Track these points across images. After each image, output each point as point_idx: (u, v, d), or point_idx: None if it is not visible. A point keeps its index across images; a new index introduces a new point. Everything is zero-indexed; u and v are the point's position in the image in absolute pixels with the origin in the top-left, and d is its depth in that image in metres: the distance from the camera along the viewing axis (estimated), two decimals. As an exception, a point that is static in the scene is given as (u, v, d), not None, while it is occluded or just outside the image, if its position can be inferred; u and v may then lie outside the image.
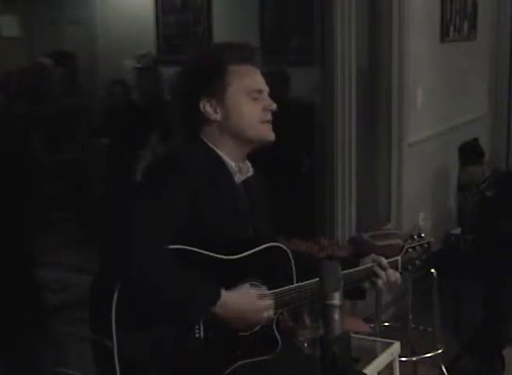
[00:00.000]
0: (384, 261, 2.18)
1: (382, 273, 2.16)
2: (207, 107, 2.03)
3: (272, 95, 2.13)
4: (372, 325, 3.46)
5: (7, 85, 5.67)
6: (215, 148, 2.05)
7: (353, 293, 2.19)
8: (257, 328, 1.99)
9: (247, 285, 1.96)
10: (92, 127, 5.90)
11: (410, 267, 2.28)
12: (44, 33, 6.95)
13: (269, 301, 1.97)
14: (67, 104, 5.82)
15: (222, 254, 1.93)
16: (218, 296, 1.86)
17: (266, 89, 2.10)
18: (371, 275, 2.17)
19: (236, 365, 1.96)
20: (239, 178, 2.08)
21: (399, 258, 2.24)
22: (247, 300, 1.93)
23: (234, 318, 1.90)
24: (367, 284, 2.19)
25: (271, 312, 1.97)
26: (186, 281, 1.84)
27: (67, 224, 5.65)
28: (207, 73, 2.03)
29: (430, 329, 3.70)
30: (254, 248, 1.99)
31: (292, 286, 2.03)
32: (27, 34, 6.95)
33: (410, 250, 2.28)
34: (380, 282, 2.17)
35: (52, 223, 5.49)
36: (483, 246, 3.93)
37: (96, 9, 7.01)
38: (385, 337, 2.99)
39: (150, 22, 6.70)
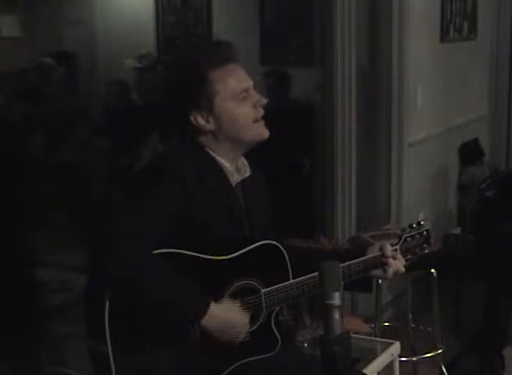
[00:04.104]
0: (388, 250, 2.14)
1: (390, 261, 2.13)
2: (198, 120, 2.00)
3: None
4: (372, 325, 3.45)
5: (7, 85, 5.68)
6: (210, 151, 2.03)
7: (360, 285, 2.17)
8: (255, 327, 1.99)
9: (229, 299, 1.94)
10: (92, 127, 5.91)
11: (410, 256, 2.23)
12: (44, 33, 6.95)
13: (247, 315, 1.95)
14: (67, 104, 5.83)
15: (215, 255, 1.93)
16: (207, 308, 1.85)
17: (251, 84, 2.05)
18: (377, 264, 2.14)
19: (236, 364, 1.96)
20: (237, 179, 2.07)
21: (397, 247, 2.20)
22: (232, 312, 1.92)
23: (220, 331, 1.88)
24: (380, 272, 2.15)
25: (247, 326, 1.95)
26: (173, 291, 1.83)
27: (67, 224, 5.65)
28: (191, 88, 1.99)
29: (430, 329, 3.70)
30: (246, 247, 1.98)
31: (286, 283, 2.02)
32: (27, 34, 6.96)
33: (408, 239, 2.23)
34: (390, 271, 2.13)
35: (52, 223, 5.49)
36: (483, 246, 3.93)
37: (96, 9, 7.01)
38: (385, 337, 2.99)
39: (150, 22, 6.70)
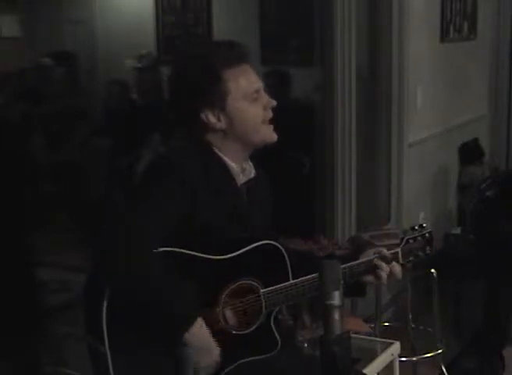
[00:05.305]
0: (386, 252, 2.15)
1: (383, 265, 2.12)
2: (209, 117, 2.00)
3: (272, 95, 2.12)
4: (372, 325, 3.45)
5: (7, 85, 5.68)
6: (217, 151, 2.04)
7: (353, 289, 2.17)
8: (255, 327, 1.99)
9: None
10: (92, 127, 5.90)
11: (412, 258, 2.23)
12: (44, 33, 6.95)
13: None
14: (67, 104, 5.82)
15: (216, 254, 1.93)
16: (192, 322, 1.84)
17: (262, 86, 2.07)
18: (372, 268, 2.13)
19: (236, 364, 1.96)
20: (241, 179, 2.08)
21: (399, 249, 2.20)
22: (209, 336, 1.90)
23: (202, 348, 1.87)
24: (371, 278, 2.14)
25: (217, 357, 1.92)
26: (171, 294, 1.83)
27: (67, 224, 5.65)
28: (203, 85, 1.99)
29: (430, 329, 3.70)
30: (247, 246, 1.98)
31: (286, 283, 2.02)
32: (27, 34, 6.96)
33: (410, 241, 2.23)
34: (383, 274, 2.12)
35: (52, 223, 5.49)
36: (483, 246, 3.93)
37: (96, 9, 7.01)
38: (385, 337, 3.00)
39: (150, 22, 6.71)
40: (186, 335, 1.83)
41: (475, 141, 5.52)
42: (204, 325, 1.87)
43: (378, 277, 2.13)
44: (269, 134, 2.07)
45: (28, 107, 5.59)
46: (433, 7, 4.81)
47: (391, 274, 2.14)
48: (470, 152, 5.40)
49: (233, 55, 2.02)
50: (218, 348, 1.91)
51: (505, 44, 6.05)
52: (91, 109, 6.10)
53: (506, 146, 6.21)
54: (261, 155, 2.14)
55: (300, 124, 4.85)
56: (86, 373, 2.00)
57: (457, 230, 4.97)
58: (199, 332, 1.86)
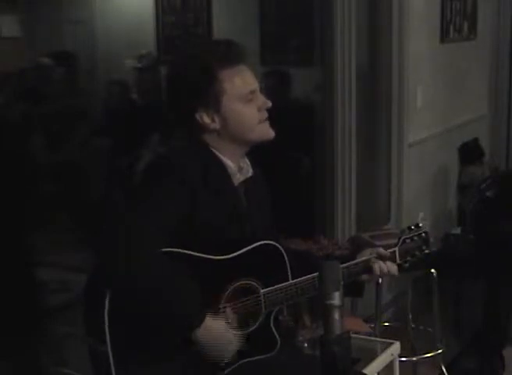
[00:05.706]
0: (383, 251, 2.17)
1: (379, 261, 2.14)
2: (204, 118, 2.00)
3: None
4: (372, 325, 3.45)
5: (7, 85, 5.68)
6: (214, 150, 2.04)
7: (351, 289, 2.17)
8: (254, 327, 1.99)
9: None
10: (92, 127, 5.90)
11: (409, 258, 2.25)
12: (44, 33, 6.95)
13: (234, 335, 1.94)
14: (67, 104, 5.82)
15: (215, 254, 1.93)
16: (202, 321, 1.85)
17: (258, 87, 2.06)
18: (369, 268, 2.15)
19: (236, 364, 1.96)
20: (238, 179, 2.08)
21: (396, 249, 2.21)
22: (224, 330, 1.91)
23: (213, 344, 1.88)
24: (367, 276, 2.16)
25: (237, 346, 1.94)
26: (173, 294, 1.83)
27: (67, 224, 5.64)
28: (199, 86, 1.98)
29: (430, 329, 3.70)
30: (246, 247, 1.98)
31: (286, 283, 2.02)
32: (27, 34, 6.96)
33: (407, 241, 2.24)
34: (376, 267, 2.14)
35: (52, 222, 5.49)
36: (483, 246, 3.93)
37: (96, 9, 7.01)
38: (385, 337, 3.00)
39: (150, 22, 6.71)
40: (198, 333, 1.84)
41: (475, 141, 5.52)
42: (212, 321, 1.87)
43: (372, 271, 2.15)
44: (266, 132, 2.07)
45: (28, 107, 5.58)
46: (433, 7, 4.81)
47: (387, 272, 2.15)
48: (470, 152, 5.40)
49: (230, 55, 2.01)
50: (235, 338, 1.92)
51: (505, 44, 6.04)
52: (91, 109, 6.10)
53: (506, 146, 6.21)
54: (261, 155, 2.14)
55: (300, 124, 4.85)
56: (86, 373, 2.00)
57: (457, 230, 4.96)
58: (210, 328, 1.86)
